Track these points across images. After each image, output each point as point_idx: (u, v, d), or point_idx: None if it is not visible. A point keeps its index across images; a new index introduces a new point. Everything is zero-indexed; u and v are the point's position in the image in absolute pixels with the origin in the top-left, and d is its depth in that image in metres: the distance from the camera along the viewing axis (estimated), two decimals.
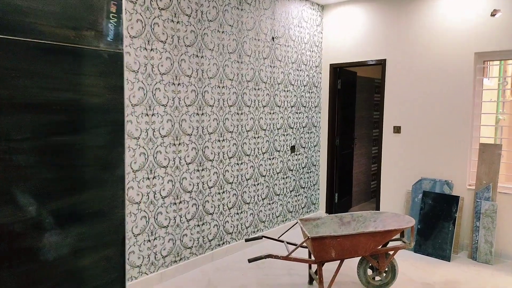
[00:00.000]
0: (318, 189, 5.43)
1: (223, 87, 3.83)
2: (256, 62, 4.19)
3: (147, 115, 3.19)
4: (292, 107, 4.78)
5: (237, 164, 4.07)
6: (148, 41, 3.13)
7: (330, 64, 5.19)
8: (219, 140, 3.84)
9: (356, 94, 5.81)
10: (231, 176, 4.02)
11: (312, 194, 5.31)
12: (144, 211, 3.25)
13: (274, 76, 4.46)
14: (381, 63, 4.73)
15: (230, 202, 4.02)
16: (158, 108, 3.26)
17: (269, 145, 4.48)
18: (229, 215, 4.03)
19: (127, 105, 3.02)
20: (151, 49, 3.16)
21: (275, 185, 4.62)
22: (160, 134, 3.30)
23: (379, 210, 4.87)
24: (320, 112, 5.32)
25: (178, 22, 3.35)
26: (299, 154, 4.97)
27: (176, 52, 3.35)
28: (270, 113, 4.44)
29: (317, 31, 5.13)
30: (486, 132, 4.29)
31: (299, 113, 4.92)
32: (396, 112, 4.66)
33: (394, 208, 4.70)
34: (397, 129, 4.66)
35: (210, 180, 3.81)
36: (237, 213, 4.14)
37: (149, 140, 3.22)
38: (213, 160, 3.81)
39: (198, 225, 3.73)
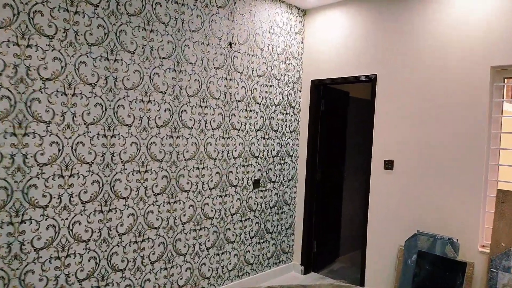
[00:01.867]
0: (293, 234, 4.37)
1: (148, 101, 2.92)
2: (203, 73, 3.28)
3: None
4: (257, 131, 3.82)
5: (168, 203, 3.10)
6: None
7: (312, 81, 4.23)
8: (139, 172, 2.91)
9: (347, 118, 4.80)
10: (157, 219, 3.05)
11: (284, 241, 4.25)
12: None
13: (230, 91, 3.53)
14: (371, 80, 3.73)
15: (153, 253, 3.03)
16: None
17: (221, 178, 3.50)
18: (152, 270, 3.04)
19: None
20: None
21: (228, 230, 3.61)
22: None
23: (364, 270, 3.76)
24: (297, 139, 4.33)
25: (76, 12, 2.49)
26: (265, 190, 3.97)
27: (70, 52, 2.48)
28: (223, 137, 3.49)
29: (295, 40, 4.20)
30: (507, 174, 3.20)
31: (268, 138, 3.95)
32: (388, 142, 3.62)
33: (383, 270, 3.59)
34: (388, 165, 3.60)
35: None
36: (165, 268, 3.14)
37: (17, 170, 2.31)
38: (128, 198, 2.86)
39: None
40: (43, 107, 2.40)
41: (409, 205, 3.46)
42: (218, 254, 3.54)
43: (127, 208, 2.86)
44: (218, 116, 3.44)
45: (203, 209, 3.37)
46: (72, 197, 2.56)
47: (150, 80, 2.92)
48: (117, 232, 2.81)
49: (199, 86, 3.26)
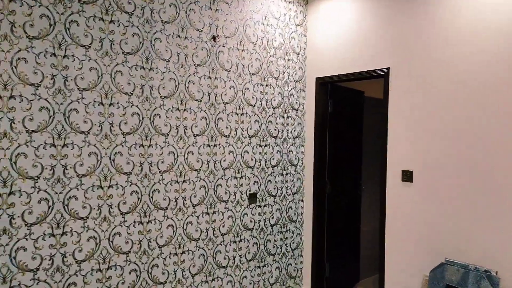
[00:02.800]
0: (301, 255, 3.78)
1: (110, 104, 2.50)
2: (180, 70, 2.83)
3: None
4: (251, 137, 3.31)
5: (140, 223, 2.64)
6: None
7: (317, 78, 3.68)
8: (104, 187, 2.47)
9: (363, 120, 4.19)
10: (128, 242, 2.59)
11: (290, 264, 3.67)
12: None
13: (216, 91, 3.05)
14: (383, 75, 3.14)
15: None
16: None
17: (206, 192, 3.01)
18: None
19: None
20: None
21: (218, 253, 3.09)
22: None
23: None
24: (303, 146, 3.77)
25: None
26: (264, 205, 3.43)
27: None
28: (208, 145, 3.01)
29: (296, 32, 3.68)
30: None
31: (265, 146, 3.42)
32: (406, 149, 3.00)
33: None
34: (407, 176, 2.97)
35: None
36: (206, 282, 2.68)
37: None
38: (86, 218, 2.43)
39: None
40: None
41: (434, 226, 2.80)
42: (206, 282, 3.03)
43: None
44: (201, 120, 2.96)
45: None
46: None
47: (111, 79, 2.50)
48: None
49: (175, 86, 2.81)
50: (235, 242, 3.21)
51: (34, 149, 2.15)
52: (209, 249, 3.04)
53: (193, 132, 2.91)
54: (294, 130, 3.68)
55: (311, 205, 3.73)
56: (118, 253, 2.51)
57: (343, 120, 3.89)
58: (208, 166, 3.01)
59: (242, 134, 3.23)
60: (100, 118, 2.42)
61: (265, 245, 3.45)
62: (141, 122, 2.62)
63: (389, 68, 3.10)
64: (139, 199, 2.62)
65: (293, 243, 3.70)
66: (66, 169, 2.26)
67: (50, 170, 2.20)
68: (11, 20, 2.12)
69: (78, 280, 2.31)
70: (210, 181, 3.03)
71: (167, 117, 2.76)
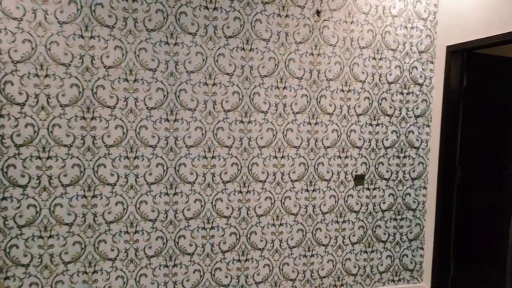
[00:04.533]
0: (421, 248, 3.39)
1: (213, 84, 2.79)
2: (280, 49, 2.89)
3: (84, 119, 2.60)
4: (359, 115, 3.12)
5: (239, 192, 2.90)
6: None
7: (448, 47, 3.13)
8: (204, 157, 2.82)
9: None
10: (228, 208, 2.90)
11: (406, 255, 3.35)
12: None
13: (319, 68, 2.99)
14: None
15: (224, 242, 2.90)
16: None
17: (306, 170, 3.03)
18: (222, 259, 2.92)
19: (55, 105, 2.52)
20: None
21: (318, 230, 3.11)
22: (104, 143, 2.64)
23: None
24: (428, 126, 3.31)
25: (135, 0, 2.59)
26: (374, 189, 3.21)
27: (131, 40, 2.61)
28: (308, 123, 3.00)
29: None
30: None
31: (377, 125, 3.17)
32: None
33: None
34: None
35: (189, 209, 2.83)
36: (238, 260, 2.95)
37: (87, 150, 2.61)
38: (193, 183, 2.82)
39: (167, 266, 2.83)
40: (107, 93, 2.62)
41: None
42: (304, 256, 3.10)
43: (193, 193, 2.83)
44: (302, 98, 2.97)
45: (283, 203, 3.02)
46: (138, 178, 2.72)
47: (214, 62, 2.78)
48: (184, 215, 2.83)
49: (275, 65, 2.89)
50: (337, 222, 3.15)
51: (150, 124, 2.64)
52: (308, 226, 3.08)
53: (292, 110, 2.96)
54: (417, 108, 3.26)
55: (434, 194, 3.28)
56: (220, 216, 2.86)
57: (483, 96, 3.20)
58: (308, 144, 3.02)
59: (348, 112, 3.08)
60: (205, 97, 2.74)
61: (373, 230, 3.25)
62: (241, 100, 2.84)
63: None
64: (239, 171, 2.88)
65: (410, 233, 3.35)
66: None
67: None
68: (134, 17, 2.61)
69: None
70: (310, 159, 3.03)
71: (266, 95, 2.89)
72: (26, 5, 2.42)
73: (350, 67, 3.06)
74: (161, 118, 2.71)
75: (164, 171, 2.75)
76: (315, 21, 2.95)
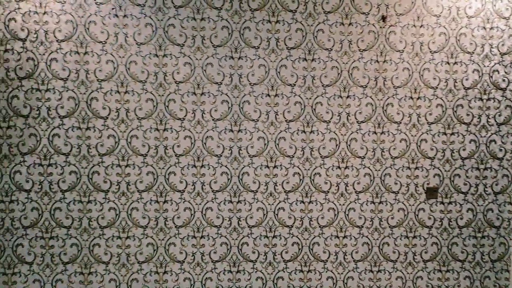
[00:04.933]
0: (506, 270, 3.04)
1: (275, 95, 2.84)
2: (343, 58, 2.85)
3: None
4: (430, 124, 2.93)
5: (302, 202, 2.89)
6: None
7: None
8: (267, 166, 2.87)
9: None
10: (290, 218, 2.90)
11: (488, 277, 3.03)
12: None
13: (385, 75, 2.88)
14: None
15: (286, 252, 2.91)
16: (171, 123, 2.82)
17: (372, 181, 2.92)
18: (285, 269, 2.93)
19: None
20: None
21: (385, 245, 2.96)
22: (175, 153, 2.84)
23: None
24: None
25: (202, 19, 2.76)
26: (449, 203, 2.97)
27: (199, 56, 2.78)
28: (373, 132, 2.90)
29: None
30: None
31: (452, 134, 2.94)
32: None
33: None
34: None
35: (251, 217, 2.90)
36: (301, 271, 2.93)
37: (160, 159, 2.83)
38: (255, 191, 2.89)
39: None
40: (178, 106, 2.82)
41: None
42: (370, 271, 2.98)
43: (256, 202, 2.90)
44: (366, 107, 2.89)
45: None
46: (204, 185, 2.88)
47: (276, 73, 2.84)
48: (247, 223, 2.91)
49: (337, 74, 2.86)
50: (407, 237, 2.97)
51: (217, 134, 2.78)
52: (374, 239, 2.95)
53: (356, 119, 2.89)
54: (499, 115, 2.96)
55: None
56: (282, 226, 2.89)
57: None
58: (374, 154, 2.91)
59: (418, 120, 2.92)
60: (267, 107, 2.81)
61: (449, 247, 3.00)
62: (302, 110, 2.85)
63: None
64: (301, 180, 2.89)
65: (493, 252, 3.03)
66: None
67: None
68: (202, 35, 2.79)
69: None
70: (376, 170, 2.92)
71: (328, 104, 2.86)
72: (109, 29, 2.73)
73: (420, 72, 2.90)
74: (225, 128, 2.84)
75: (228, 179, 2.87)
76: (381, 27, 2.86)
